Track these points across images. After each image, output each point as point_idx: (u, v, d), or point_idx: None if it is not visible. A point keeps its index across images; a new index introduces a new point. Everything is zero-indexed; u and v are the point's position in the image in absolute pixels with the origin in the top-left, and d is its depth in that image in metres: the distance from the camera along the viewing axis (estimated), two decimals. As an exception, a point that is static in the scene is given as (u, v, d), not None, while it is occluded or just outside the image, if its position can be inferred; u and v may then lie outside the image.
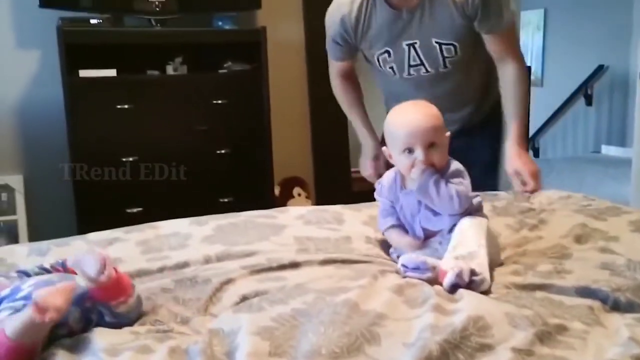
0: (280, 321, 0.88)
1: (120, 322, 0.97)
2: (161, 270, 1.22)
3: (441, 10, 1.67)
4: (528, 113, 1.84)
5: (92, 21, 2.57)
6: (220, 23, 2.85)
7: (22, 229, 2.64)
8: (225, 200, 2.72)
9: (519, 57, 1.78)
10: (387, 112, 1.67)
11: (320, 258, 1.18)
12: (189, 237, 1.39)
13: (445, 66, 1.75)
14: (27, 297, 0.92)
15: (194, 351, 0.84)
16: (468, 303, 0.91)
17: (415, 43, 1.71)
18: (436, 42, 1.71)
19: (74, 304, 0.92)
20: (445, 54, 1.73)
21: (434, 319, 0.87)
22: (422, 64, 1.75)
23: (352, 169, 3.36)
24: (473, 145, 1.81)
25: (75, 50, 2.46)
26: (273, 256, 1.22)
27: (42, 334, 0.88)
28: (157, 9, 2.64)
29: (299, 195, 3.23)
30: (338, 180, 3.34)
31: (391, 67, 1.77)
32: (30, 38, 2.73)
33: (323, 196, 3.27)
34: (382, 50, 1.75)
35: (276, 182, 3.03)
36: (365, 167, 1.95)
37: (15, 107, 2.78)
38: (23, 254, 1.31)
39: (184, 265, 1.23)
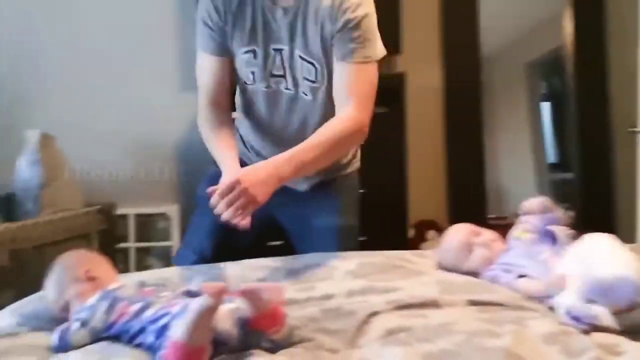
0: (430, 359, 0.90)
1: (274, 348, 1.02)
2: (307, 300, 1.28)
3: (315, 19, 1.43)
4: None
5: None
6: (362, 68, 2.96)
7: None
8: (360, 239, 2.77)
9: (364, 107, 1.45)
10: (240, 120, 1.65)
11: (464, 299, 1.18)
12: (333, 270, 1.45)
13: (305, 92, 1.50)
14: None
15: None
16: (634, 357, 0.87)
17: (283, 50, 1.48)
18: (299, 56, 1.48)
19: (235, 324, 0.99)
20: (305, 74, 1.49)
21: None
22: (284, 76, 1.50)
23: (489, 215, 3.29)
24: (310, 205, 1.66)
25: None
26: (415, 293, 1.24)
27: (209, 334, 0.92)
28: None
29: (433, 238, 3.21)
30: (474, 225, 3.28)
31: (252, 72, 1.51)
32: (194, 81, 3.02)
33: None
34: (249, 49, 1.49)
35: (410, 224, 3.04)
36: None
37: (176, 144, 3.07)
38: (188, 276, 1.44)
39: (329, 296, 1.29)
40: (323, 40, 1.46)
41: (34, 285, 2.04)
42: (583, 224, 3.27)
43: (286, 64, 1.49)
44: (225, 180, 1.31)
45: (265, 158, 1.45)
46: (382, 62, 3.07)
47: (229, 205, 1.25)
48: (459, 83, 3.31)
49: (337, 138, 1.42)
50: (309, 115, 1.56)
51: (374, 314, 1.13)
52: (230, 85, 1.56)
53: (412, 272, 1.42)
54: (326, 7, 1.43)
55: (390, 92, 2.84)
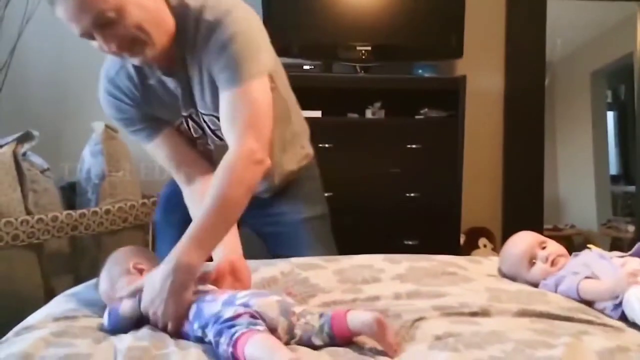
0: (478, 366, 0.88)
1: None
2: (354, 301, 1.28)
3: (195, 71, 1.32)
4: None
5: (305, 67, 2.81)
6: (420, 71, 2.94)
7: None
8: (410, 242, 2.75)
9: (249, 135, 1.24)
10: None
11: (515, 309, 1.15)
12: (381, 272, 1.44)
13: (222, 139, 1.35)
14: (246, 305, 1.03)
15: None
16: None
17: (191, 114, 1.41)
18: (200, 113, 1.39)
19: (281, 314, 1.01)
20: (212, 126, 1.40)
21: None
22: (204, 135, 1.43)
23: (545, 226, 3.20)
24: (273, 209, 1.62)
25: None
26: (464, 300, 1.22)
27: None
28: (363, 57, 2.81)
29: (485, 246, 3.14)
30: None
31: (191, 139, 1.45)
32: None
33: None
34: (179, 122, 1.43)
35: (462, 231, 2.99)
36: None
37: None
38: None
39: (375, 298, 1.28)
40: (212, 85, 1.33)
41: (91, 271, 2.12)
42: (646, 239, 3.14)
43: (201, 124, 1.42)
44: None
45: None
46: (443, 66, 3.06)
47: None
48: (522, 89, 3.23)
49: (227, 191, 1.21)
50: None
51: (421, 318, 1.12)
52: (187, 140, 1.47)
53: (463, 278, 1.39)
54: (202, 48, 1.30)
55: (449, 96, 2.80)
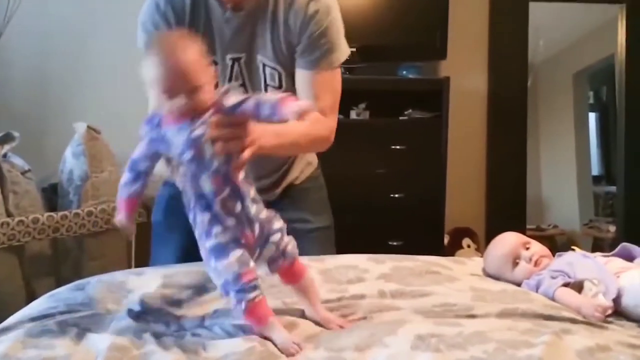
0: (459, 365, 0.88)
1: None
2: (339, 300, 1.28)
3: (275, 22, 1.35)
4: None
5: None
6: (404, 72, 2.95)
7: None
8: (395, 243, 2.76)
9: (332, 115, 1.39)
10: None
11: (498, 309, 1.16)
12: (366, 272, 1.44)
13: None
14: None
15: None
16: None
17: (241, 58, 1.39)
18: (261, 62, 1.40)
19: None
20: (269, 81, 1.41)
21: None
22: (243, 84, 1.42)
23: (528, 226, 3.23)
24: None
25: (272, 93, 2.70)
26: (448, 300, 1.22)
27: None
28: (348, 58, 2.80)
29: (468, 246, 3.16)
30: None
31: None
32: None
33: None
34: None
35: (446, 231, 3.01)
36: None
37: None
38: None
39: (360, 297, 1.28)
40: (288, 46, 1.38)
41: (73, 273, 2.11)
42: (625, 238, 3.18)
43: (244, 72, 1.42)
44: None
45: None
46: (427, 68, 3.07)
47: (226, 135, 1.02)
48: (505, 90, 3.26)
49: (313, 134, 1.36)
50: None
51: (404, 319, 1.12)
52: None
53: (447, 277, 1.40)
54: (292, 14, 1.36)
55: (433, 97, 2.82)
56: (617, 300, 1.15)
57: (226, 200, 1.01)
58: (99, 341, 1.02)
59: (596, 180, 3.99)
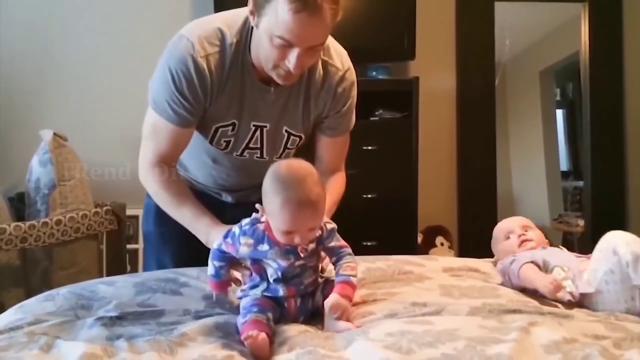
0: (431, 364, 0.89)
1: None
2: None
3: (306, 97, 1.43)
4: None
5: (259, 70, 2.80)
6: (374, 73, 2.97)
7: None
8: (369, 243, 2.77)
9: (344, 168, 1.63)
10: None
11: (467, 307, 1.17)
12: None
13: (280, 156, 1.50)
14: None
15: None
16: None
17: (265, 127, 1.45)
18: (286, 131, 1.47)
19: None
20: (289, 145, 1.50)
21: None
22: (260, 148, 1.48)
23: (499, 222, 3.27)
24: None
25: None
26: (417, 300, 1.23)
27: None
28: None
29: (442, 244, 3.19)
30: (483, 232, 3.26)
31: (227, 142, 1.46)
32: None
33: (466, 247, 3.20)
34: (228, 123, 1.42)
35: (419, 230, 3.03)
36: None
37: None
38: (193, 274, 1.45)
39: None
40: (315, 116, 1.48)
41: (42, 284, 2.07)
42: (594, 233, 3.24)
43: (265, 139, 1.47)
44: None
45: (207, 186, 1.58)
46: (396, 68, 3.09)
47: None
48: (473, 89, 3.30)
49: (341, 195, 1.61)
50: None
51: (375, 320, 1.13)
52: (185, 147, 1.47)
53: (417, 277, 1.42)
54: (323, 93, 1.45)
55: (402, 98, 2.84)
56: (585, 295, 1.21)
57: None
58: (70, 350, 1.01)
59: (564, 175, 4.06)
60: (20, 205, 2.36)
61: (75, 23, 2.97)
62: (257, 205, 1.19)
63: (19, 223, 2.08)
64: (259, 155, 1.50)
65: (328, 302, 1.12)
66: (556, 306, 1.21)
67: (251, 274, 1.21)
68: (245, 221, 1.19)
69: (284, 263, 1.15)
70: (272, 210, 1.11)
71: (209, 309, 1.24)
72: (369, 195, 2.80)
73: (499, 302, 1.18)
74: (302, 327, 1.12)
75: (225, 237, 1.19)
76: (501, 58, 3.47)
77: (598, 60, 3.35)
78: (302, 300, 1.20)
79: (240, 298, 1.20)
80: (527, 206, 3.88)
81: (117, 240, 2.43)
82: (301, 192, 1.09)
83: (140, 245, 2.91)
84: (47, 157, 2.26)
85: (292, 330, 1.09)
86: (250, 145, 1.48)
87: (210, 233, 1.34)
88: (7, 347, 1.02)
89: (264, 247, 1.15)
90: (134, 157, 3.13)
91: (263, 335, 1.04)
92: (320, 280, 1.24)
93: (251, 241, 1.15)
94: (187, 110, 1.37)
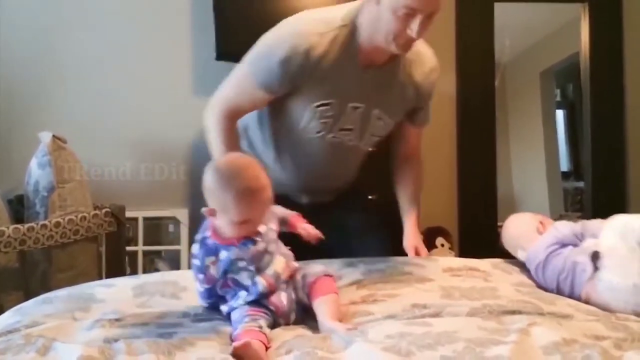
0: (430, 366, 0.89)
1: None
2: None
3: (399, 83, 1.54)
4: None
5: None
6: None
7: (184, 258, 2.89)
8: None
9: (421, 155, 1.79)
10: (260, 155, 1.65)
11: (467, 308, 1.16)
12: (339, 279, 1.43)
13: (365, 142, 1.62)
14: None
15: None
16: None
17: (359, 108, 1.54)
18: (378, 114, 1.57)
19: None
20: (377, 132, 1.60)
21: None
22: (353, 130, 1.57)
23: (499, 223, 3.26)
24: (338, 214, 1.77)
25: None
26: (417, 301, 1.23)
27: None
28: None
29: (442, 245, 3.18)
30: (483, 233, 3.25)
31: (323, 123, 1.54)
32: (206, 87, 3.03)
33: (467, 248, 3.19)
34: (327, 102, 1.51)
35: (419, 231, 3.02)
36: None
37: (188, 148, 3.08)
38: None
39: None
40: (406, 103, 1.60)
41: (42, 286, 2.06)
42: (595, 234, 3.24)
43: (358, 121, 1.56)
44: None
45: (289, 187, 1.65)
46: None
47: None
48: (473, 90, 3.29)
49: (422, 180, 1.84)
50: (356, 159, 1.74)
51: (374, 320, 1.12)
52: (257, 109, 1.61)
53: (417, 278, 1.41)
54: (423, 80, 1.59)
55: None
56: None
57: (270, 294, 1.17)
58: (67, 352, 1.00)
59: (565, 176, 4.05)
60: (19, 208, 2.35)
61: (76, 24, 2.96)
62: (203, 209, 1.20)
63: (18, 225, 2.07)
64: (350, 137, 1.58)
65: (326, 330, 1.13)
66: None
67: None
68: (195, 247, 1.20)
69: (247, 254, 1.16)
70: (225, 204, 1.13)
71: (207, 313, 1.24)
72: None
73: (499, 303, 1.17)
74: (299, 330, 1.12)
75: (199, 275, 1.19)
76: (501, 59, 3.47)
77: (598, 61, 3.34)
78: (287, 295, 1.20)
79: (228, 313, 1.20)
80: (527, 207, 3.87)
81: (116, 242, 2.42)
82: (250, 179, 1.14)
83: (139, 247, 2.91)
84: (46, 160, 2.25)
85: (289, 334, 1.09)
86: (345, 126, 1.56)
87: None
88: (4, 350, 1.01)
89: (223, 254, 1.16)
90: (134, 158, 3.14)
91: (255, 341, 1.03)
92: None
93: (213, 258, 1.16)
94: (282, 84, 1.47)
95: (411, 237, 1.75)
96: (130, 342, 1.05)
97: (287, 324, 1.17)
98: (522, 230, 1.57)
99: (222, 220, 1.15)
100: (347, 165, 1.74)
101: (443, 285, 1.34)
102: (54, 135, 2.30)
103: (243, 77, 1.53)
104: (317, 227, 1.62)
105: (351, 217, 1.83)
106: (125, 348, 1.03)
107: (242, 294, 1.18)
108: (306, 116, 1.53)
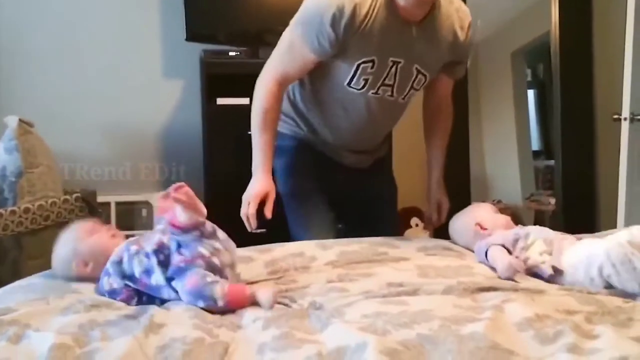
0: (407, 345, 0.89)
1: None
2: (286, 291, 1.27)
3: (439, 40, 1.59)
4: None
5: (231, 53, 2.77)
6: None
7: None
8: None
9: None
10: (289, 125, 1.77)
11: (442, 286, 1.18)
12: (313, 260, 1.44)
13: (404, 97, 1.66)
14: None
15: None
16: (607, 342, 0.87)
17: (400, 62, 1.58)
18: (416, 69, 1.61)
19: None
20: (415, 85, 1.64)
21: (569, 360, 0.83)
22: (393, 85, 1.61)
23: (472, 203, 3.30)
24: (375, 182, 1.85)
25: (214, 79, 2.66)
26: (393, 280, 1.24)
27: None
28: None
29: (417, 225, 3.22)
30: (457, 213, 3.29)
31: (365, 80, 1.58)
32: (176, 68, 3.00)
33: (441, 228, 3.22)
34: (369, 59, 1.55)
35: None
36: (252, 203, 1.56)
37: (159, 131, 3.04)
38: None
39: (307, 286, 1.28)
40: (443, 57, 1.64)
41: (12, 274, 2.02)
42: (565, 211, 3.30)
43: (398, 75, 1.59)
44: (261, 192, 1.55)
45: (327, 143, 1.73)
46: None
47: None
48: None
49: (450, 124, 1.90)
50: (394, 114, 1.76)
51: (351, 302, 1.13)
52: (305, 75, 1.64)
53: (393, 258, 1.42)
54: (460, 34, 1.62)
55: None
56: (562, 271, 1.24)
57: None
58: (40, 340, 0.98)
59: (536, 155, 4.12)
60: (-13, 194, 2.30)
61: (42, 8, 2.89)
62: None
63: (-14, 212, 2.03)
64: (390, 93, 1.62)
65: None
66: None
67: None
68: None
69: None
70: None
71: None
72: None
73: (474, 280, 1.19)
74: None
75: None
76: (473, 39, 3.48)
77: (568, 40, 3.37)
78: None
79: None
80: (499, 186, 3.93)
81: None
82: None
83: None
84: (13, 144, 2.20)
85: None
86: (386, 81, 1.59)
87: (256, 172, 1.58)
88: (-25, 339, 0.99)
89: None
90: (104, 141, 3.08)
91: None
92: None
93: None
94: (331, 45, 1.49)
95: (434, 190, 1.85)
96: (104, 328, 1.04)
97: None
98: (462, 234, 1.60)
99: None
100: (386, 121, 1.77)
101: (418, 264, 1.35)
102: (20, 120, 2.24)
103: (293, 45, 1.56)
104: (355, 194, 1.83)
105: (385, 188, 1.93)
106: (100, 334, 1.01)
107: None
108: (349, 75, 1.57)
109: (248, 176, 1.89)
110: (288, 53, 1.57)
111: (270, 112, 1.60)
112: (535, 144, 4.15)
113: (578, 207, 3.19)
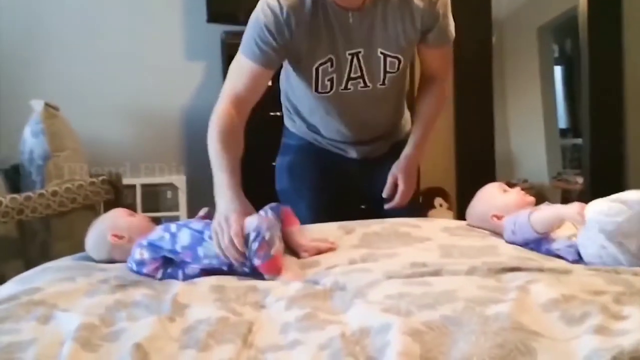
0: (430, 326, 0.89)
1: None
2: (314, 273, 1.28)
3: (394, 18, 1.50)
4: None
5: (252, 34, 2.76)
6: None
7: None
8: (364, 207, 2.76)
9: (449, 78, 1.74)
10: (296, 124, 1.78)
11: (466, 267, 1.16)
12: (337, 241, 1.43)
13: (383, 83, 1.58)
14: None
15: (336, 346, 0.87)
16: (637, 323, 0.85)
17: (360, 52, 1.52)
18: (381, 53, 1.54)
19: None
20: (388, 68, 1.56)
21: (598, 342, 0.81)
22: (362, 76, 1.56)
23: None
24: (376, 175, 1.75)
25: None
26: (416, 260, 1.23)
27: None
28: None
29: (441, 205, 3.20)
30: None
31: (330, 80, 1.55)
32: (198, 50, 3.00)
33: (465, 208, 3.20)
34: (325, 59, 1.51)
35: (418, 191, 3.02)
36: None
37: (182, 114, 3.06)
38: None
39: (334, 266, 1.28)
40: (408, 32, 1.52)
41: (41, 255, 2.07)
42: (593, 189, 3.24)
43: (363, 65, 1.55)
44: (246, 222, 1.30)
45: (333, 140, 1.72)
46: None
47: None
48: (469, 47, 3.24)
49: (439, 112, 1.75)
50: (384, 99, 1.67)
51: (374, 282, 1.12)
52: (259, 98, 1.54)
53: (416, 238, 1.41)
54: (412, 1, 1.49)
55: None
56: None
57: None
58: (68, 321, 1.00)
59: (563, 133, 4.05)
60: (15, 177, 2.34)
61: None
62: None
63: (15, 195, 2.06)
64: (362, 84, 1.57)
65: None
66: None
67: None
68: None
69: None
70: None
71: (202, 274, 1.25)
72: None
73: (498, 261, 1.17)
74: (298, 284, 1.13)
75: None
76: (498, 15, 3.41)
77: (597, 15, 3.29)
78: None
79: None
80: (525, 165, 3.87)
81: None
82: None
83: (180, 212, 2.93)
84: (40, 128, 2.23)
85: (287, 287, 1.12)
86: (352, 75, 1.55)
87: (227, 191, 1.38)
88: (4, 319, 1.01)
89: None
90: (130, 126, 3.12)
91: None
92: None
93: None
94: (272, 47, 1.45)
95: (400, 164, 1.69)
96: (130, 309, 1.05)
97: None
98: (483, 225, 1.51)
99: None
100: (379, 108, 1.69)
101: (442, 244, 1.34)
102: (46, 103, 2.27)
103: (239, 62, 1.52)
104: (369, 183, 1.78)
105: None
106: (126, 315, 1.03)
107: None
108: (312, 81, 1.55)
109: (267, 156, 1.90)
110: (235, 71, 1.53)
111: (227, 134, 1.48)
112: (563, 122, 4.07)
113: (606, 187, 3.12)
